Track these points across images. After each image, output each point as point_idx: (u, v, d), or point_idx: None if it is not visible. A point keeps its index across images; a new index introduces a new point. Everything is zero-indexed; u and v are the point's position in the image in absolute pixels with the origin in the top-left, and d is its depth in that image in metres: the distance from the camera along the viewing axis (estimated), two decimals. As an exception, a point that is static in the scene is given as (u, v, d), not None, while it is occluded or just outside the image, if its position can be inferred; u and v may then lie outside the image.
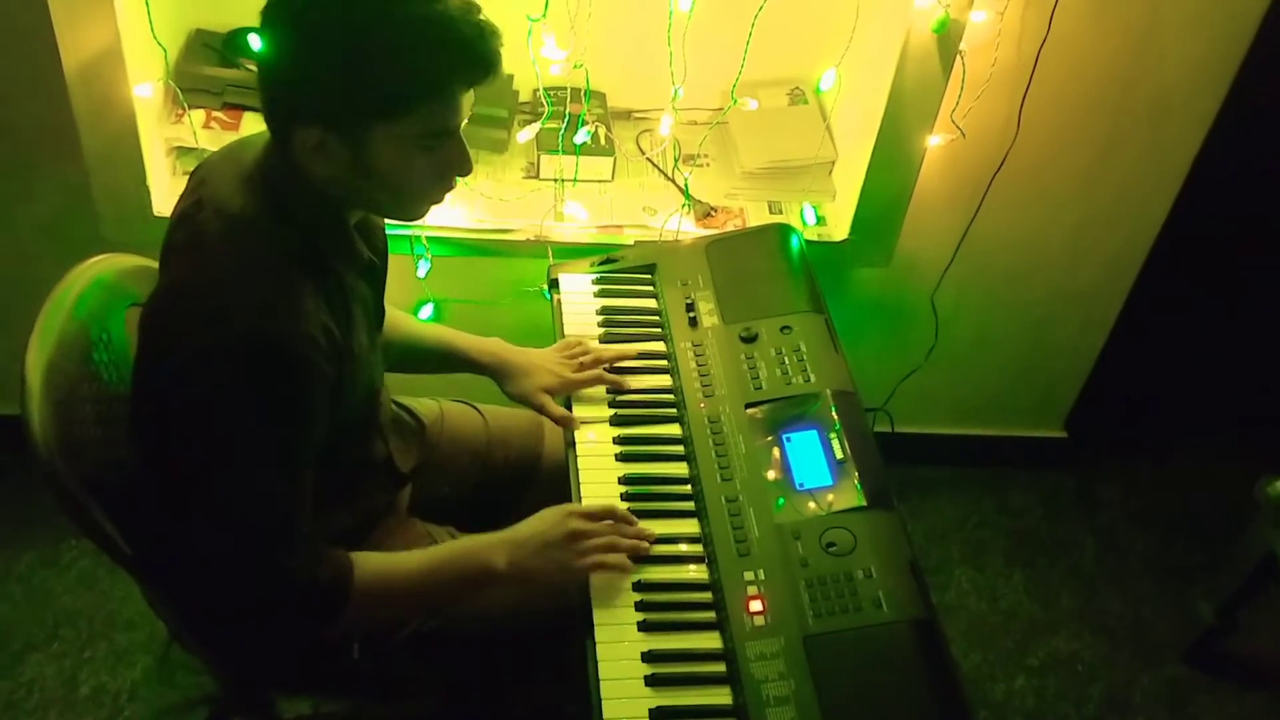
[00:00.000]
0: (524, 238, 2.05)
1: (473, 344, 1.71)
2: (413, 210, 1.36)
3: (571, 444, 1.58)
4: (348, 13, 1.18)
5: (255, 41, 1.28)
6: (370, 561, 1.34)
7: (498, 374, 1.69)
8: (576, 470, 1.54)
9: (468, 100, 1.26)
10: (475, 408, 1.80)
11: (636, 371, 1.68)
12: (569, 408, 1.63)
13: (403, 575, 1.37)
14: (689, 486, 1.52)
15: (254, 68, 1.92)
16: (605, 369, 1.66)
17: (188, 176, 2.00)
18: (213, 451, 1.23)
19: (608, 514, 1.43)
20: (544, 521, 1.40)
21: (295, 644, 1.41)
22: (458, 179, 1.34)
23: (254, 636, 1.38)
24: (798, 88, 2.25)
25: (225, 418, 1.22)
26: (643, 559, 1.42)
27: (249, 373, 1.20)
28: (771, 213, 2.18)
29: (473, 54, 1.22)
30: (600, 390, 1.65)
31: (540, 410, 1.64)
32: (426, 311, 2.13)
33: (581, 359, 1.68)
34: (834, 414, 1.54)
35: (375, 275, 1.45)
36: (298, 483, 1.27)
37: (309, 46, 1.20)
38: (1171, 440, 2.80)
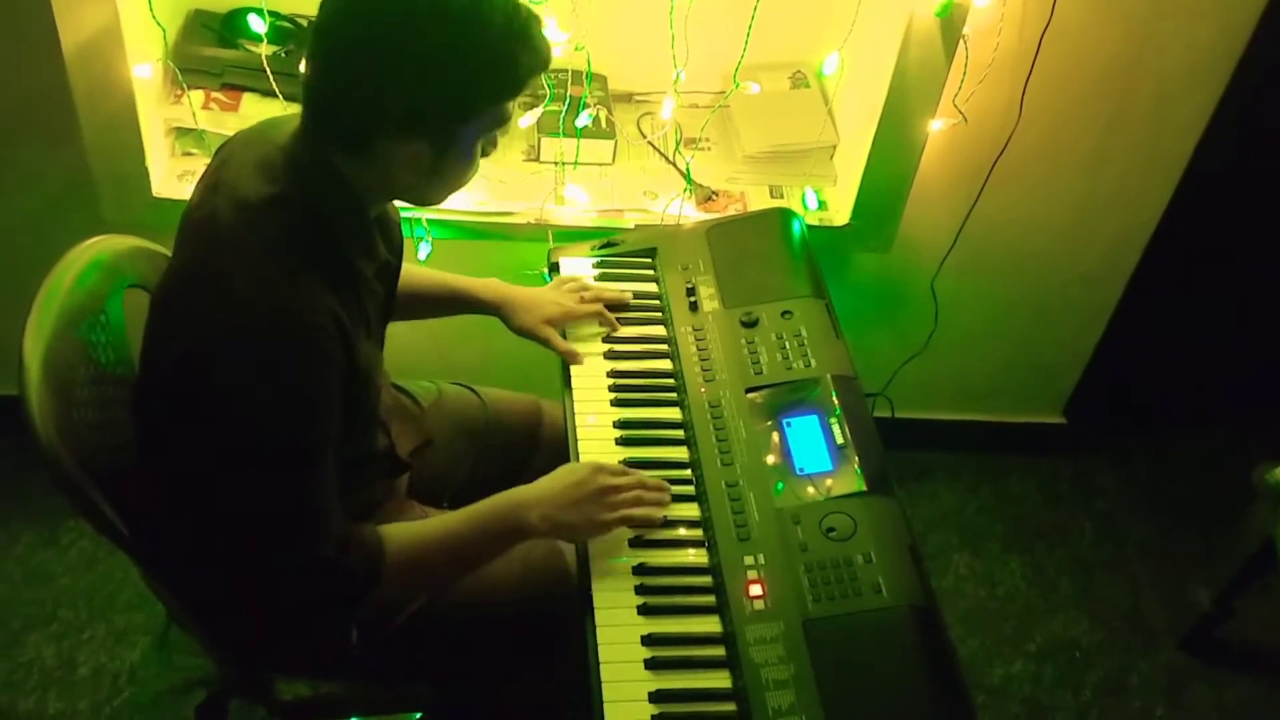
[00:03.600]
0: (524, 221, 2.04)
1: (474, 284, 1.73)
2: (445, 196, 1.38)
3: (568, 383, 1.62)
4: (445, 26, 1.19)
5: (325, 46, 1.24)
6: (399, 534, 1.33)
7: (501, 310, 1.71)
8: (577, 454, 1.54)
9: None
10: (473, 390, 1.80)
11: (636, 356, 1.68)
12: (567, 382, 1.64)
13: (434, 542, 1.36)
14: (689, 471, 1.52)
15: (254, 49, 1.91)
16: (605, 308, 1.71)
17: (188, 157, 2.04)
18: (222, 443, 1.21)
19: (627, 472, 1.44)
20: (573, 475, 1.40)
21: (332, 626, 1.39)
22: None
23: (284, 623, 1.35)
24: (800, 71, 2.24)
25: (234, 407, 1.20)
26: (642, 543, 1.42)
27: (258, 360, 1.19)
28: (773, 197, 2.17)
29: (543, 50, 1.27)
30: (599, 372, 1.65)
31: (546, 344, 1.67)
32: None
33: (581, 293, 1.72)
34: (834, 399, 1.54)
35: (389, 273, 1.45)
36: (316, 467, 1.25)
37: (423, 67, 1.19)
38: (1170, 427, 2.80)
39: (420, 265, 1.76)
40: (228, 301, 1.20)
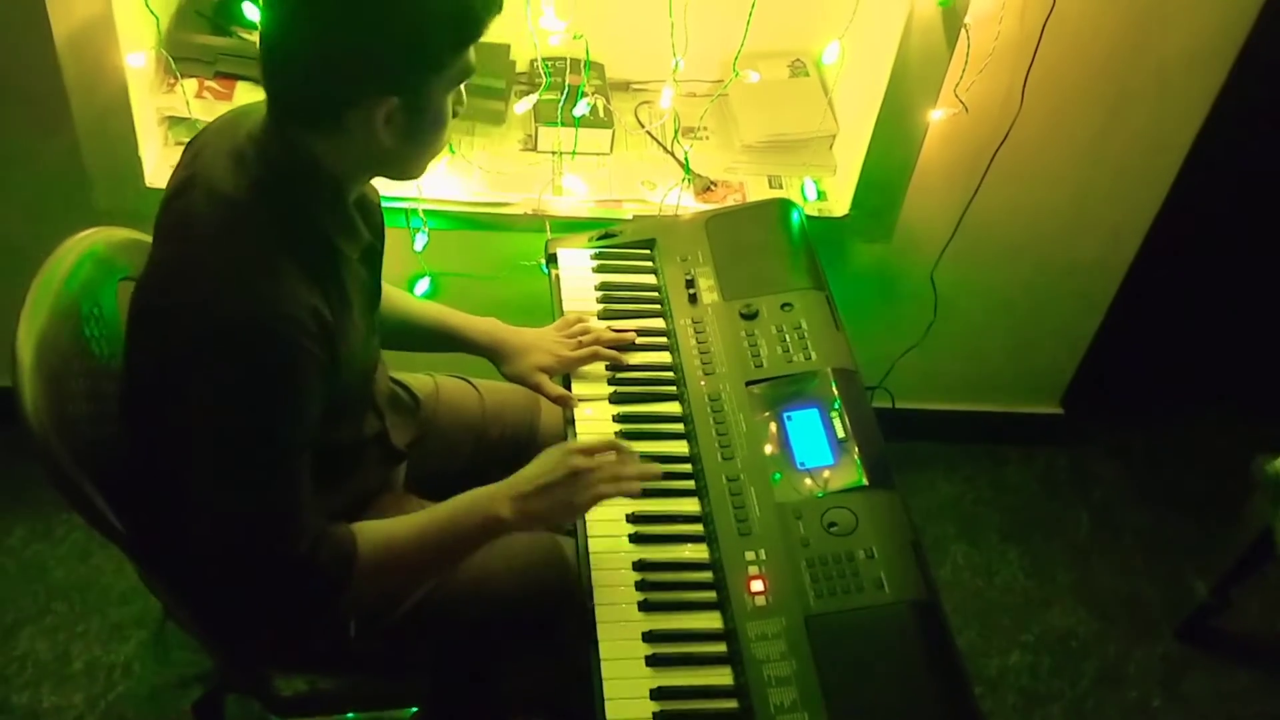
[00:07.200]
0: (521, 211, 2.03)
1: (468, 324, 1.69)
2: (423, 165, 1.35)
3: (570, 423, 1.57)
4: None
5: (273, 21, 1.20)
6: (373, 531, 1.32)
7: (494, 355, 1.67)
8: (575, 447, 1.53)
9: None
10: (470, 383, 1.79)
11: (636, 349, 1.66)
12: (567, 387, 1.61)
13: (407, 539, 1.34)
14: (689, 465, 1.51)
15: (248, 37, 1.90)
16: (603, 347, 1.65)
17: (181, 147, 2.01)
18: (201, 439, 1.21)
19: (609, 447, 1.40)
20: (545, 463, 1.37)
21: (305, 625, 1.39)
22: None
23: (260, 620, 1.36)
24: (799, 60, 2.23)
25: (211, 405, 1.19)
26: (643, 539, 1.41)
27: (234, 358, 1.18)
28: (772, 187, 2.16)
29: None
30: (600, 369, 1.63)
31: (537, 390, 1.62)
32: (423, 285, 2.11)
33: (580, 337, 1.66)
34: (835, 392, 1.53)
35: (373, 255, 1.44)
36: (291, 466, 1.24)
37: (372, 15, 1.16)
38: (1168, 417, 2.80)
39: (417, 299, 1.75)
40: (204, 301, 1.19)
